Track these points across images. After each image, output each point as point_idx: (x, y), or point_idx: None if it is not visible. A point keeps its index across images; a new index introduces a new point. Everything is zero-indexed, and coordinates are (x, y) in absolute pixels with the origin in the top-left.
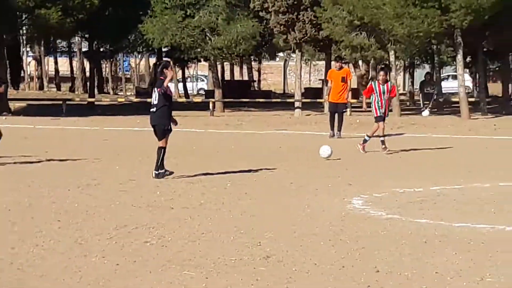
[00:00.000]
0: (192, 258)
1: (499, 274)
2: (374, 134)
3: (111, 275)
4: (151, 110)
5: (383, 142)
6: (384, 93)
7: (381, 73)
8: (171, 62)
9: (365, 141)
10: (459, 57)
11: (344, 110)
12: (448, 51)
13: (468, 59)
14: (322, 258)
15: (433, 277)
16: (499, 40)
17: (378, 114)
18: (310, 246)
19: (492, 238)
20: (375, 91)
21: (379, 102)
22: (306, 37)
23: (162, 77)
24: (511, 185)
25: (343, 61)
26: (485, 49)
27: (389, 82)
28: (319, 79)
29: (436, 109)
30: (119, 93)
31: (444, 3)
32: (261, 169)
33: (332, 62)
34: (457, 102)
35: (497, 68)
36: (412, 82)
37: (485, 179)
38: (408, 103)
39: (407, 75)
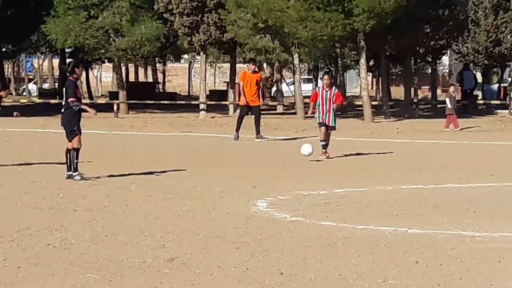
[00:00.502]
0: (96, 261)
1: (401, 276)
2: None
3: (13, 279)
4: (61, 110)
5: (324, 146)
6: (327, 99)
7: (326, 77)
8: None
9: (323, 147)
10: (362, 60)
11: (259, 112)
12: (352, 55)
13: (371, 62)
14: (226, 260)
15: (336, 279)
16: (401, 44)
17: (318, 121)
18: (214, 249)
19: (395, 240)
20: (319, 96)
21: (321, 108)
22: (210, 39)
23: (72, 78)
24: (413, 187)
25: (256, 64)
26: (387, 53)
27: (333, 88)
28: (224, 82)
29: (340, 112)
30: (22, 94)
31: (347, 7)
32: (166, 171)
33: (246, 65)
34: (361, 106)
35: (399, 72)
36: (317, 85)
37: (388, 182)
38: None
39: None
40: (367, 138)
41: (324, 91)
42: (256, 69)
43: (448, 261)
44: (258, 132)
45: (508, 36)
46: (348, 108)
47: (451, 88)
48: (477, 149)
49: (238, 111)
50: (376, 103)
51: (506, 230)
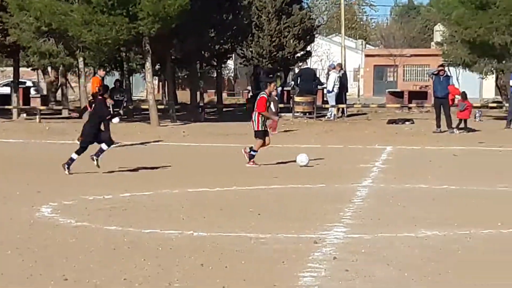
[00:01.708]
0: None
1: (186, 279)
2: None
3: None
4: None
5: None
6: (269, 106)
7: (272, 85)
8: None
9: (252, 156)
10: (148, 64)
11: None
12: (137, 59)
13: (157, 66)
14: (9, 267)
15: (121, 284)
16: (186, 48)
17: (260, 129)
18: None
19: (180, 243)
20: (267, 104)
21: (263, 116)
22: None
23: None
24: (200, 190)
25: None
26: (173, 57)
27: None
28: (4, 85)
29: (126, 116)
30: None
31: (132, 11)
32: None
33: (99, 71)
34: (147, 109)
35: (185, 76)
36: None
37: (175, 185)
38: None
39: None
40: (154, 142)
41: (269, 98)
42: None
43: (232, 263)
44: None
45: (291, 41)
46: (134, 112)
47: (274, 92)
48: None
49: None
50: (162, 107)
51: (289, 231)
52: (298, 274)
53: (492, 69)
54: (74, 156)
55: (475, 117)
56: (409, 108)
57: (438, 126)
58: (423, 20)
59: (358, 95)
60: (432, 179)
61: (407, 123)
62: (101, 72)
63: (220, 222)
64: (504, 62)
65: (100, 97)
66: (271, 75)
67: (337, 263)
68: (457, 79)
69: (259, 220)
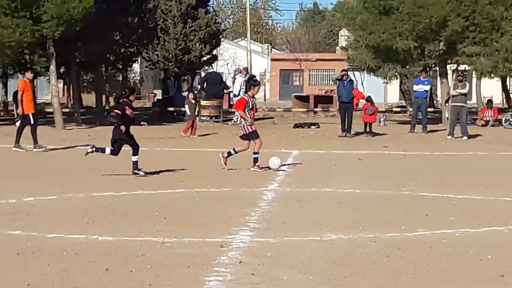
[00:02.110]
0: None
1: (91, 284)
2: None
3: None
4: None
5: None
6: (252, 108)
7: (256, 88)
8: None
9: (229, 154)
10: (52, 67)
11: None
12: (42, 62)
13: (62, 69)
14: None
15: None
16: (91, 51)
17: (254, 129)
18: None
19: (85, 248)
20: (247, 106)
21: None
22: None
23: None
24: (105, 194)
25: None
26: (78, 60)
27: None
28: None
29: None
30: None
31: (35, 14)
32: None
33: (26, 73)
34: (52, 113)
35: (90, 79)
36: (6, 92)
37: (80, 190)
38: (2, 113)
39: (0, 85)
40: (57, 145)
41: (251, 99)
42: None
43: (138, 267)
44: (35, 141)
45: (197, 45)
46: (39, 116)
47: (191, 95)
48: (171, 155)
49: None
50: (67, 110)
51: (195, 235)
52: (204, 278)
53: (396, 74)
54: (108, 154)
55: (379, 122)
56: (315, 112)
57: (344, 130)
58: (328, 25)
59: (265, 99)
60: (338, 183)
61: (312, 127)
62: (28, 75)
63: (125, 226)
64: (407, 67)
65: (125, 99)
66: (185, 79)
67: (243, 267)
68: (362, 84)
69: (165, 224)
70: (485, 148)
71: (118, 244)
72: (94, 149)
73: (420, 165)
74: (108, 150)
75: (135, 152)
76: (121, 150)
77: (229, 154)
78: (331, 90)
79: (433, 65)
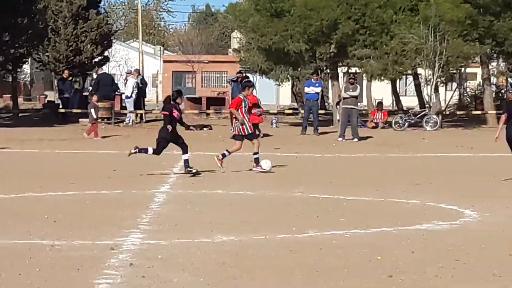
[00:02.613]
0: None
1: None
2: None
3: None
4: None
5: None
6: (248, 108)
7: (251, 89)
8: None
9: (224, 156)
10: None
11: None
12: None
13: None
14: None
15: None
16: None
17: (246, 133)
18: None
19: None
20: (243, 106)
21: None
22: None
23: None
24: None
25: None
26: None
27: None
28: None
29: None
30: None
31: None
32: None
33: None
34: None
35: None
36: None
37: None
38: None
39: None
40: None
41: (247, 100)
42: None
43: (27, 270)
44: None
45: (88, 46)
46: None
47: (94, 98)
48: (62, 157)
49: None
50: None
51: (85, 238)
52: (94, 281)
53: (288, 76)
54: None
55: (271, 124)
56: (207, 114)
57: None
58: (220, 26)
59: (157, 101)
60: (229, 185)
61: (205, 129)
62: None
63: (14, 229)
64: (299, 69)
65: (172, 102)
66: (77, 80)
67: (133, 270)
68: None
69: (54, 227)
70: (375, 150)
71: (6, 246)
72: (137, 150)
73: (311, 167)
74: (150, 150)
75: (185, 151)
76: (164, 149)
77: (224, 156)
78: (224, 92)
79: (324, 68)
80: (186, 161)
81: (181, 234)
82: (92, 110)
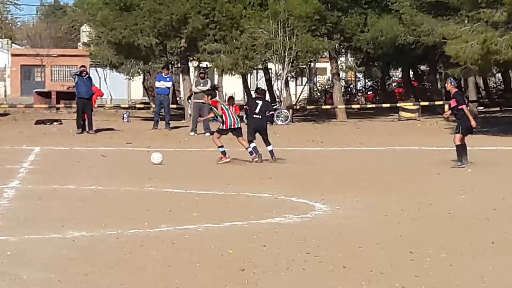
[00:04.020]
0: None
1: None
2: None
3: None
4: None
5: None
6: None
7: (207, 97)
8: None
9: (251, 153)
10: None
11: None
12: None
13: None
14: None
15: None
16: None
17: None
18: None
19: None
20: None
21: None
22: None
23: None
24: None
25: None
26: None
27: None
28: None
29: None
30: None
31: None
32: None
33: None
34: None
35: None
36: None
37: None
38: None
39: None
40: None
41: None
42: None
43: None
44: None
45: None
46: None
47: None
48: None
49: None
50: None
51: None
52: None
53: (139, 70)
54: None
55: (123, 118)
56: (57, 108)
57: (79, 127)
58: (69, 20)
59: (5, 95)
60: (81, 179)
61: (55, 123)
62: None
63: None
64: (150, 63)
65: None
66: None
67: None
68: (105, 80)
69: None
70: (227, 144)
71: None
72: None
73: (163, 161)
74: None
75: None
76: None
77: (251, 153)
78: (73, 86)
79: (175, 62)
80: (271, 152)
81: (30, 230)
82: None
